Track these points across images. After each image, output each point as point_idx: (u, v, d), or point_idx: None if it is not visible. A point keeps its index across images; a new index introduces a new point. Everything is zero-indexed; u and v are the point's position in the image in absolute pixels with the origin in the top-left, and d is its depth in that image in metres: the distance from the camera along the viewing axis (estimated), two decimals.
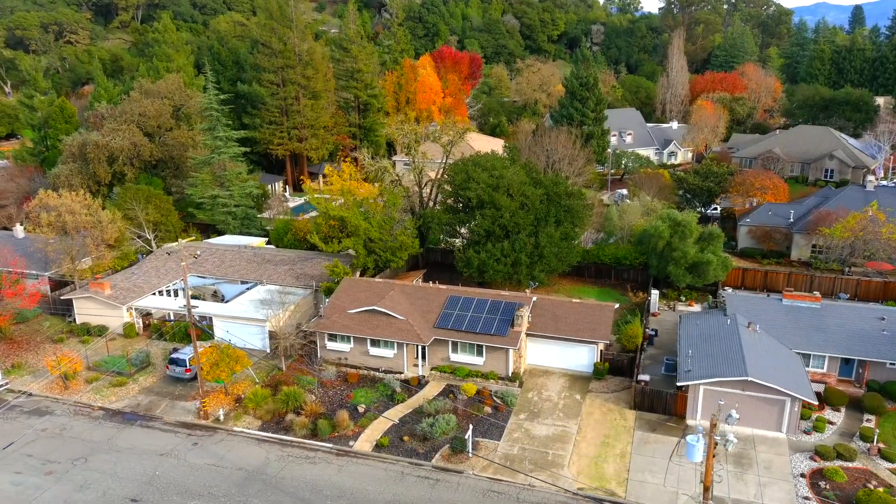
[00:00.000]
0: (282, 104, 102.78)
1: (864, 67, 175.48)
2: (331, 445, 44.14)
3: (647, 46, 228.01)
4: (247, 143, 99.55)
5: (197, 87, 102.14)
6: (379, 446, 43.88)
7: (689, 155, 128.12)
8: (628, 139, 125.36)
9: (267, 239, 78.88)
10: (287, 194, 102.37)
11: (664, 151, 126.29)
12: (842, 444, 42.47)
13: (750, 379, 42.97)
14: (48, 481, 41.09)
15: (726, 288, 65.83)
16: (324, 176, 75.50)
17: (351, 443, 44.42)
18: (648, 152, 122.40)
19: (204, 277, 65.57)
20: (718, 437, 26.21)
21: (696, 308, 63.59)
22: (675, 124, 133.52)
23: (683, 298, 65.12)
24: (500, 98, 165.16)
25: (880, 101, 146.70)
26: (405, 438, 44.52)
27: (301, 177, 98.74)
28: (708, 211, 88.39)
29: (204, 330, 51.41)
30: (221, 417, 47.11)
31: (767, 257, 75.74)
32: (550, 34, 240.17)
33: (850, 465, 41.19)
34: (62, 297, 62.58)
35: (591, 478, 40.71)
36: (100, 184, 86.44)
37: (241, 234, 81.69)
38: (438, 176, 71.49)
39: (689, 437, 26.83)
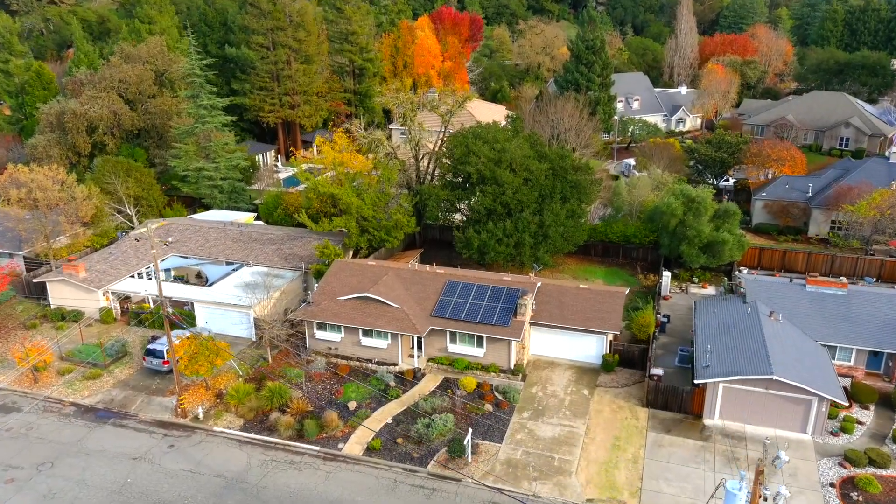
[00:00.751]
0: (272, 69, 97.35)
1: (878, 28, 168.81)
2: (318, 448, 40.70)
3: (653, 6, 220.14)
4: (237, 110, 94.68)
5: (181, 51, 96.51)
6: (370, 449, 40.42)
7: (699, 121, 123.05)
8: (635, 105, 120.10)
9: (256, 214, 74.76)
10: (279, 164, 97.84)
11: (672, 118, 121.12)
12: (874, 449, 39.01)
13: (775, 378, 39.35)
14: (8, 491, 37.71)
15: (742, 269, 61.98)
16: (317, 146, 71.23)
17: (340, 445, 40.98)
18: (656, 119, 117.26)
19: (187, 258, 61.63)
20: (768, 491, 22.51)
21: (710, 290, 59.83)
22: (683, 89, 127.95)
23: (696, 280, 61.28)
24: (502, 61, 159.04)
25: None
26: (399, 441, 41.06)
27: (291, 147, 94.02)
28: (720, 183, 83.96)
29: (179, 324, 47.50)
30: (200, 416, 43.59)
31: (784, 234, 71.68)
32: None
33: (883, 472, 37.81)
34: (35, 280, 58.67)
35: (602, 487, 37.33)
36: (80, 155, 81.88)
37: (228, 208, 77.46)
38: (436, 148, 67.02)
39: (729, 484, 23.19)
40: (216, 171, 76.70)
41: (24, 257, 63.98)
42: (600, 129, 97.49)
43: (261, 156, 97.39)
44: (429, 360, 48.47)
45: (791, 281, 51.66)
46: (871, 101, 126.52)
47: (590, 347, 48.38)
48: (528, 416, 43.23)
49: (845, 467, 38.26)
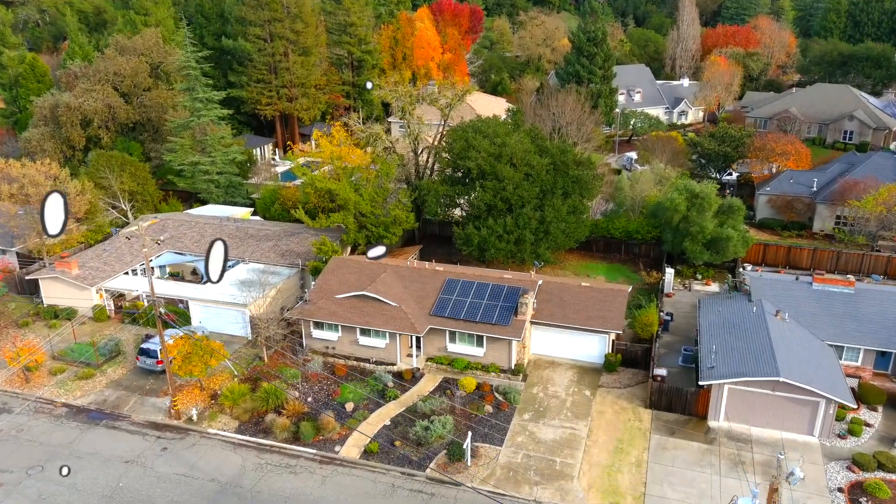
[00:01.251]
0: (269, 61, 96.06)
1: (882, 20, 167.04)
2: (314, 451, 39.83)
3: None
4: (234, 102, 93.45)
5: (177, 43, 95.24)
6: (368, 452, 39.56)
7: (701, 114, 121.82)
8: (637, 98, 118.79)
9: (253, 209, 73.75)
10: (277, 158, 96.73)
11: (674, 111, 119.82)
12: (882, 452, 38.13)
13: (782, 379, 38.44)
14: None
15: (745, 265, 61.01)
16: (315, 140, 70.26)
17: (337, 448, 40.12)
18: (658, 111, 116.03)
19: (183, 254, 60.58)
20: None
21: (714, 287, 58.88)
22: (685, 81, 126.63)
23: (699, 277, 60.32)
24: (502, 53, 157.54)
25: None
26: (397, 443, 40.17)
27: (289, 141, 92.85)
28: (723, 177, 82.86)
29: (172, 324, 46.46)
30: (194, 417, 42.70)
31: (788, 229, 70.69)
32: None
33: (893, 477, 36.93)
34: (27, 277, 57.69)
35: (604, 492, 36.48)
36: (74, 149, 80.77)
37: (225, 203, 76.37)
38: (436, 142, 65.90)
39: (741, 502, 22.32)
40: (212, 166, 75.59)
41: (17, 254, 63.06)
42: (602, 123, 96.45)
43: (258, 149, 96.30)
44: (428, 360, 47.58)
45: (797, 279, 50.70)
46: (876, 94, 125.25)
47: (592, 347, 47.47)
48: (528, 418, 42.34)
49: (854, 471, 37.40)
